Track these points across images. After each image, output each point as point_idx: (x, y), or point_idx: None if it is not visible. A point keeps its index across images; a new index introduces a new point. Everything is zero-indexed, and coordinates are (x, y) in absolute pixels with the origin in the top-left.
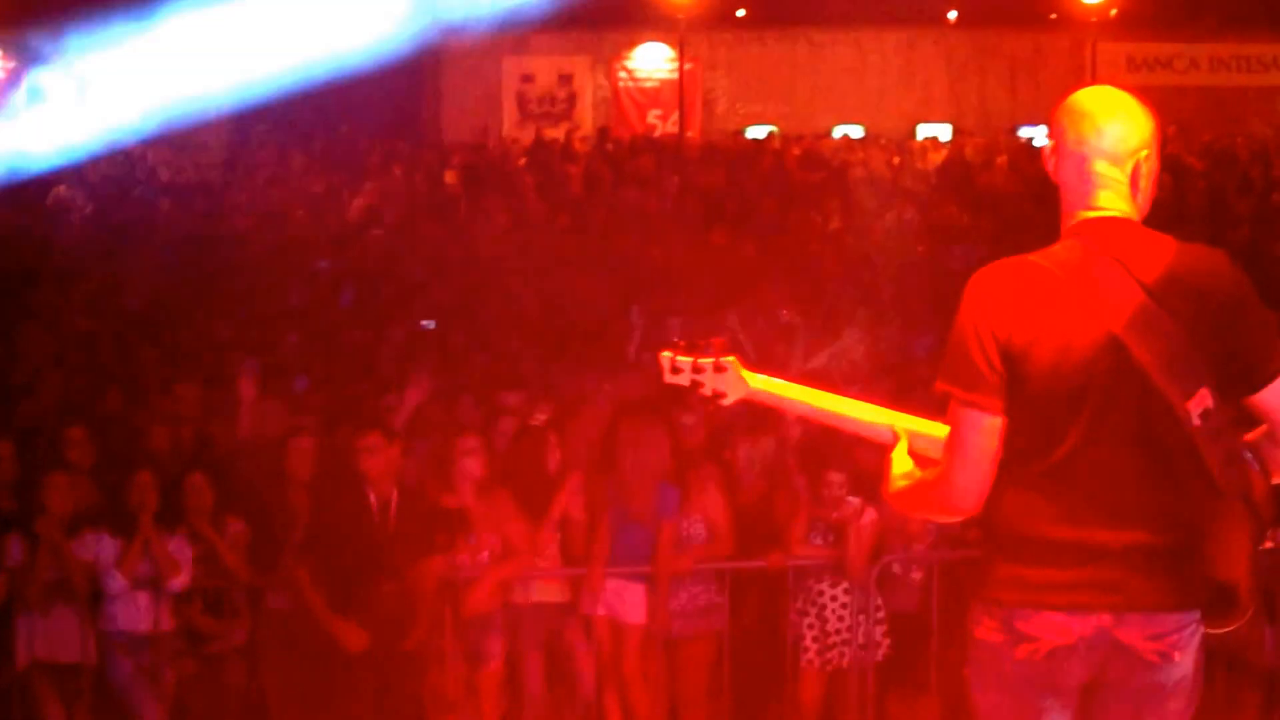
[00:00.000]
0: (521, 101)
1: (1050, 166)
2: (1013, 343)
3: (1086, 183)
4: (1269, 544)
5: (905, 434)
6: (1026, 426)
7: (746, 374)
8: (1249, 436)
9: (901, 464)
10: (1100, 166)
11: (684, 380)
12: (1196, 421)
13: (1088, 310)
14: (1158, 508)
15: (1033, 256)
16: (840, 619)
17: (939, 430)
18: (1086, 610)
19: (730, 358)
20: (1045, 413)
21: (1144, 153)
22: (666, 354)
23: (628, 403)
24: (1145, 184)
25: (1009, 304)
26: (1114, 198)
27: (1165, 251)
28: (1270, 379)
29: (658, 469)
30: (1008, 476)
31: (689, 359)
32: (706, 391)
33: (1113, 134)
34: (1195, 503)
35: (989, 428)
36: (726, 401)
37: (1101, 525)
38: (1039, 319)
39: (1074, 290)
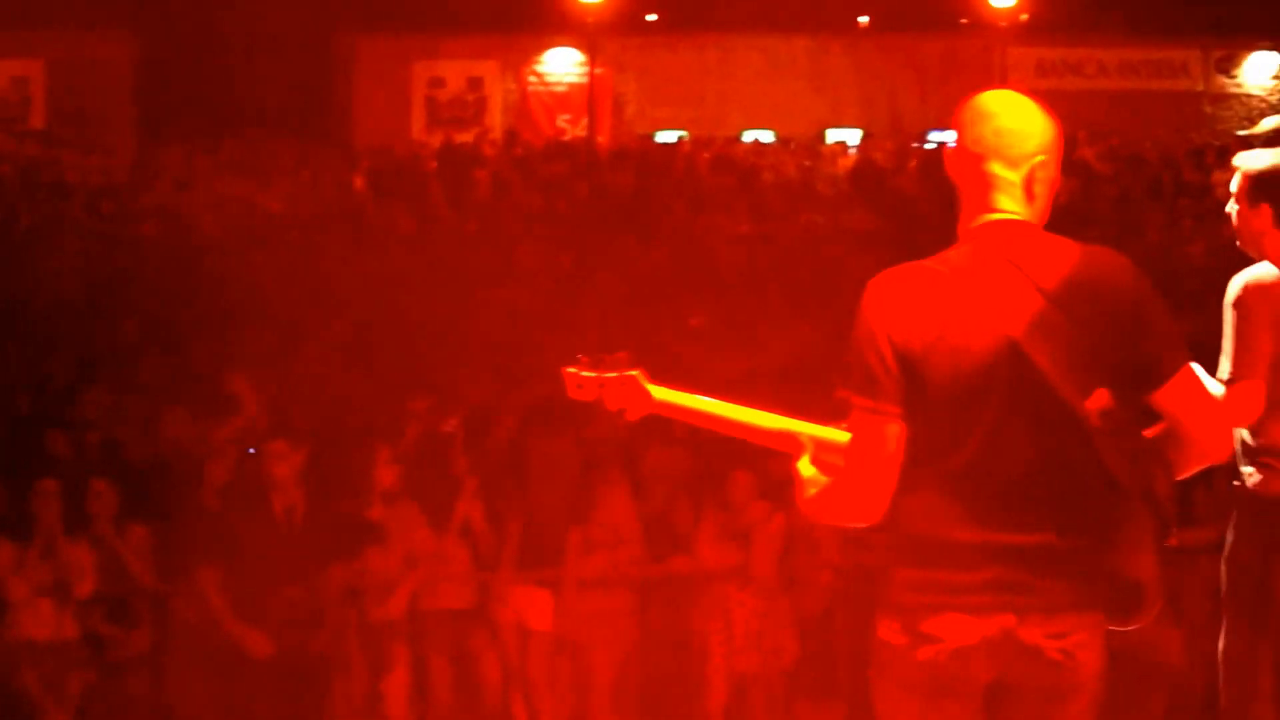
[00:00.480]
0: (431, 106)
1: (950, 168)
2: (910, 347)
3: (982, 185)
4: (1173, 542)
5: (810, 442)
6: (927, 430)
7: (650, 387)
8: (1150, 435)
9: (808, 472)
10: (996, 168)
11: (588, 396)
12: (1096, 422)
13: (984, 314)
14: (1059, 508)
15: (929, 261)
16: (748, 624)
17: (844, 437)
18: (989, 611)
19: (634, 372)
20: (945, 416)
21: (1040, 157)
22: (571, 370)
23: (536, 409)
24: (1041, 189)
25: (905, 309)
26: (1010, 201)
27: (1062, 254)
28: (1169, 377)
29: (566, 475)
30: (909, 480)
31: (593, 374)
32: (611, 408)
33: (1009, 136)
34: (1097, 502)
35: (888, 433)
36: (631, 416)
37: (1003, 526)
38: (936, 323)
39: (970, 295)
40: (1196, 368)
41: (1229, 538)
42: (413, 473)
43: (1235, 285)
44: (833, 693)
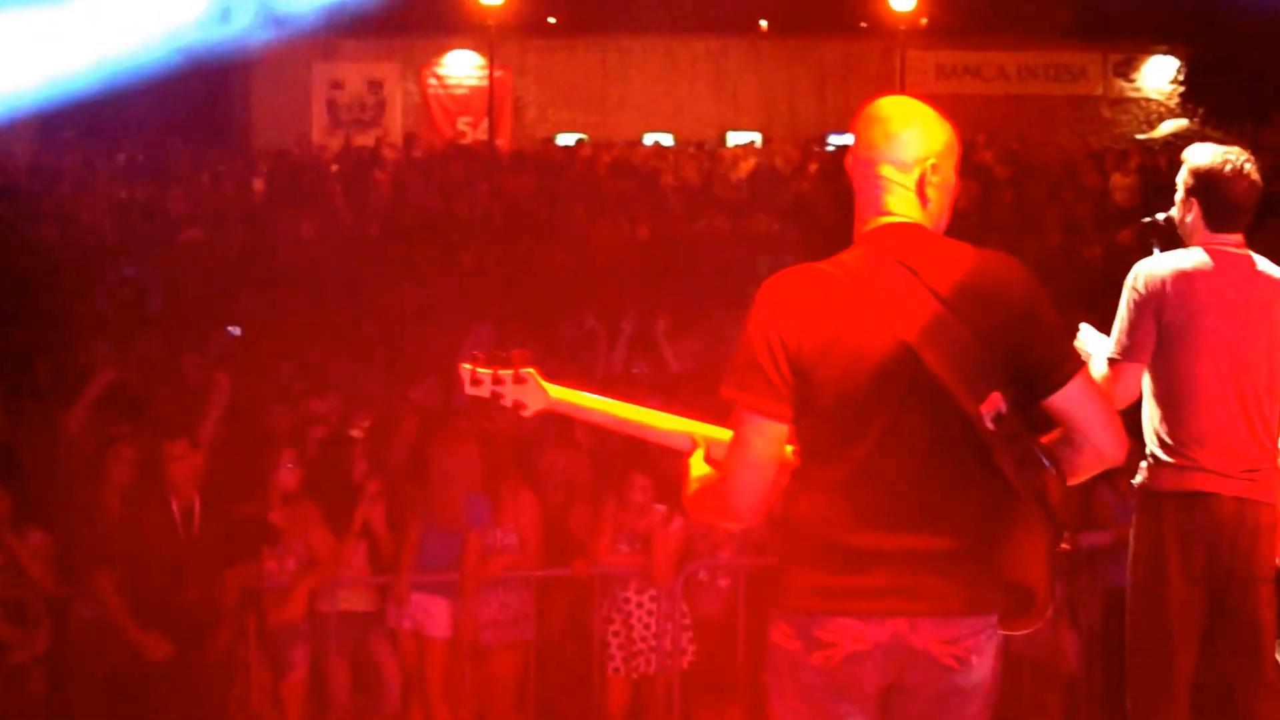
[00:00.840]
0: (331, 108)
1: (849, 173)
2: (803, 350)
3: (875, 188)
4: (1066, 546)
5: (704, 441)
6: (821, 433)
7: (546, 385)
8: (1046, 439)
9: (699, 469)
10: (887, 171)
11: (484, 392)
12: (989, 426)
13: (878, 317)
14: (952, 512)
15: (822, 264)
16: (647, 626)
17: None
18: (882, 616)
19: (529, 369)
20: (839, 420)
21: (931, 161)
22: (466, 366)
23: (437, 412)
24: (934, 193)
25: (798, 311)
26: (902, 203)
27: (956, 258)
28: (1063, 383)
29: (467, 479)
30: (803, 483)
31: (489, 371)
32: (507, 403)
33: (901, 140)
34: (991, 506)
35: (771, 434)
36: (527, 412)
37: (896, 531)
38: (829, 326)
39: (863, 297)
40: (1093, 338)
41: (1131, 535)
42: (313, 475)
43: (1137, 267)
44: (731, 695)
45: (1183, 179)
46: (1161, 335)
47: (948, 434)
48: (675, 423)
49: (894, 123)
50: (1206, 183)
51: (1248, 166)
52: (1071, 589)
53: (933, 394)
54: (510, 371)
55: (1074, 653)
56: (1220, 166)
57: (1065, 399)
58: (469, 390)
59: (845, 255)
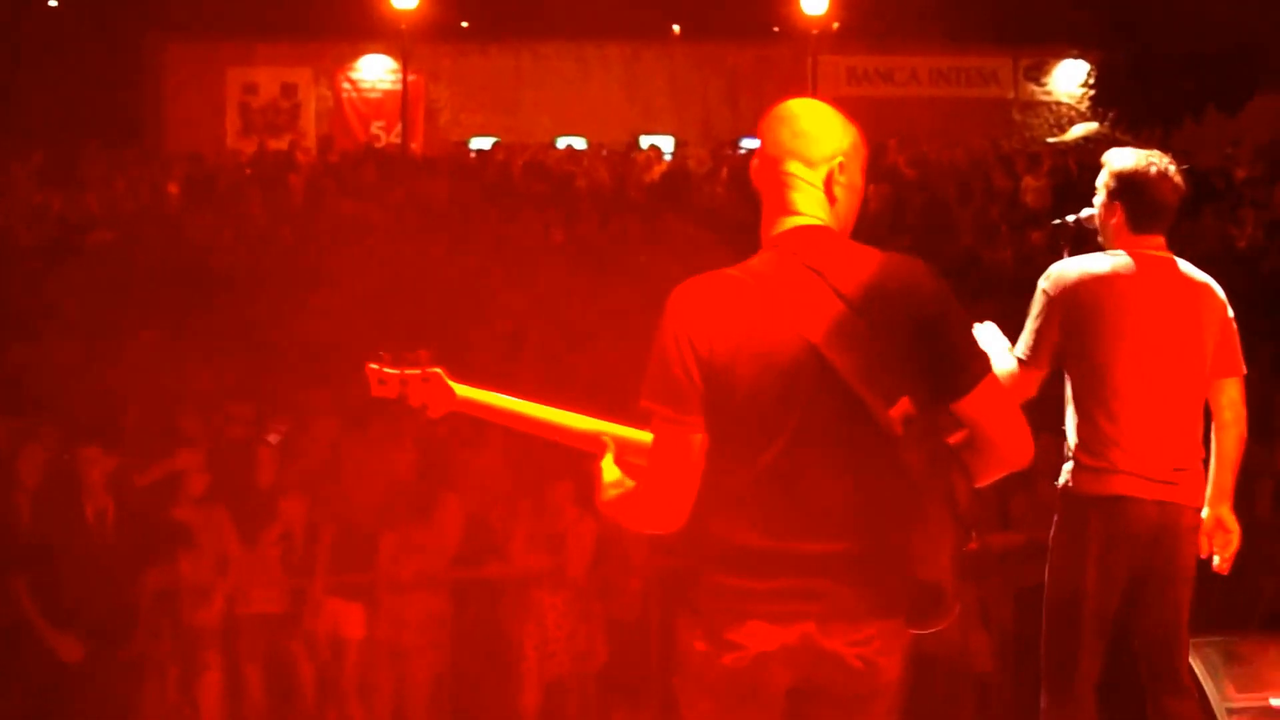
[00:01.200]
0: (245, 112)
1: (754, 175)
2: (713, 356)
3: (782, 187)
4: (973, 545)
5: (614, 442)
6: (730, 437)
7: (454, 385)
8: (953, 440)
9: (610, 473)
10: (795, 168)
11: (391, 393)
12: (898, 429)
13: (786, 321)
14: (861, 515)
15: (730, 270)
16: (560, 628)
17: (649, 438)
18: (790, 618)
19: (436, 369)
20: (748, 423)
21: (839, 159)
22: (373, 366)
23: (353, 415)
24: (841, 193)
25: (708, 318)
26: (809, 204)
27: (864, 261)
28: (972, 387)
29: (381, 480)
30: (713, 486)
31: (396, 371)
32: (414, 403)
33: (808, 138)
34: (899, 508)
35: (689, 443)
36: (434, 413)
37: (805, 534)
38: (738, 331)
39: (772, 302)
40: (992, 338)
41: (1051, 537)
42: (228, 478)
43: (1049, 270)
44: (644, 695)
45: (1104, 182)
46: (1075, 338)
47: (856, 436)
48: (586, 423)
49: (802, 121)
50: (1130, 185)
51: (1171, 169)
52: (983, 590)
53: (841, 396)
54: (417, 372)
55: (985, 653)
56: (1145, 169)
57: (972, 404)
58: (375, 391)
59: (753, 260)
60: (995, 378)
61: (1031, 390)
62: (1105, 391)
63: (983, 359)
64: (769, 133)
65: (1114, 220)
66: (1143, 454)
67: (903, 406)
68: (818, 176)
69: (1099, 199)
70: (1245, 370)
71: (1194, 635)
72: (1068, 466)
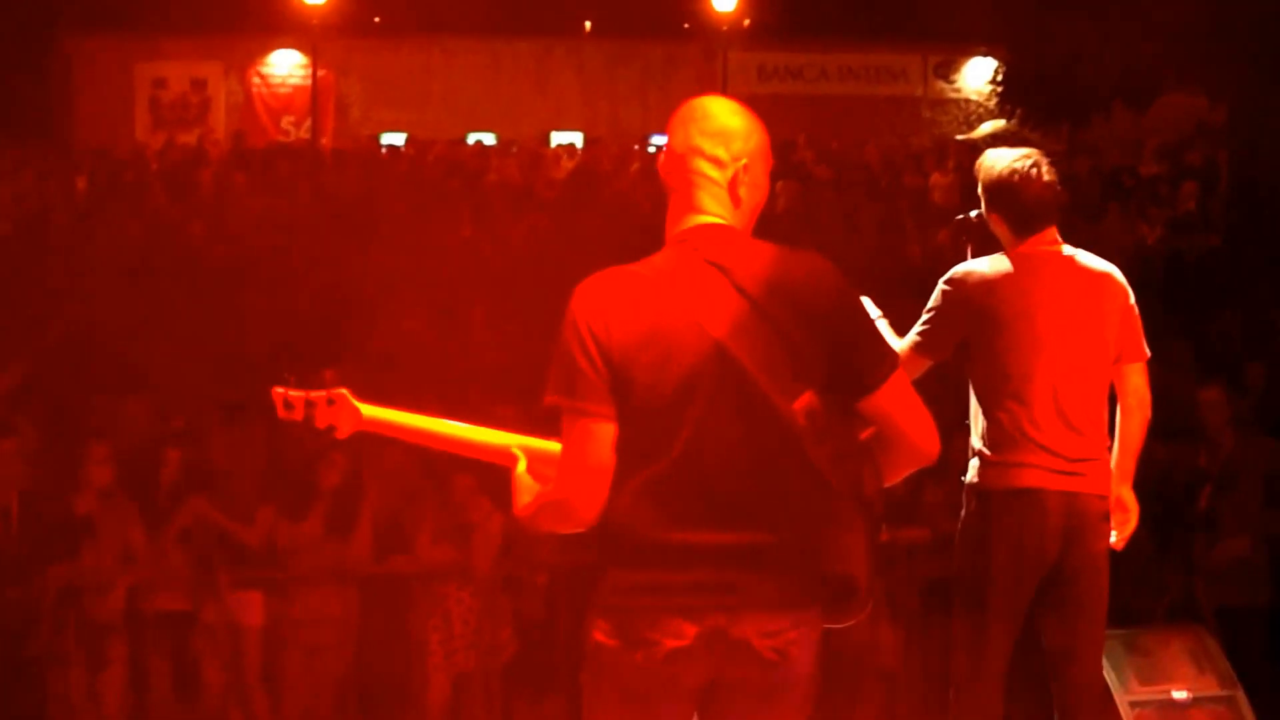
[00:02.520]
0: (154, 107)
1: (662, 172)
2: (616, 350)
3: (688, 185)
4: (884, 537)
5: (524, 453)
6: (636, 433)
7: (359, 405)
8: (863, 435)
9: (524, 484)
10: (701, 166)
11: (297, 415)
12: (802, 422)
13: (688, 316)
14: (769, 507)
15: (634, 266)
16: (466, 623)
17: (557, 448)
18: (701, 612)
19: (342, 390)
20: (653, 418)
21: (744, 160)
22: (279, 390)
23: (258, 409)
24: (745, 192)
25: (610, 313)
26: (714, 203)
27: (766, 259)
28: (879, 384)
29: (287, 474)
30: (621, 482)
31: (301, 394)
32: (320, 425)
33: (715, 139)
34: (806, 501)
35: (599, 434)
36: (341, 434)
37: (712, 526)
38: (640, 326)
39: (674, 297)
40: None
41: (958, 531)
42: (131, 472)
43: (952, 271)
44: (550, 690)
45: (980, 192)
46: (977, 338)
47: (761, 430)
48: (494, 436)
49: (711, 120)
50: (1000, 193)
51: (1035, 171)
52: (890, 584)
53: (745, 391)
54: (322, 394)
55: (892, 646)
56: (1009, 177)
57: (881, 401)
58: (282, 414)
59: (656, 257)
60: (902, 375)
61: (915, 376)
62: (1010, 388)
63: (891, 355)
64: (678, 130)
65: (998, 228)
66: (1049, 447)
67: (806, 400)
68: (724, 176)
69: (982, 207)
70: (1149, 355)
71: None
72: (974, 463)
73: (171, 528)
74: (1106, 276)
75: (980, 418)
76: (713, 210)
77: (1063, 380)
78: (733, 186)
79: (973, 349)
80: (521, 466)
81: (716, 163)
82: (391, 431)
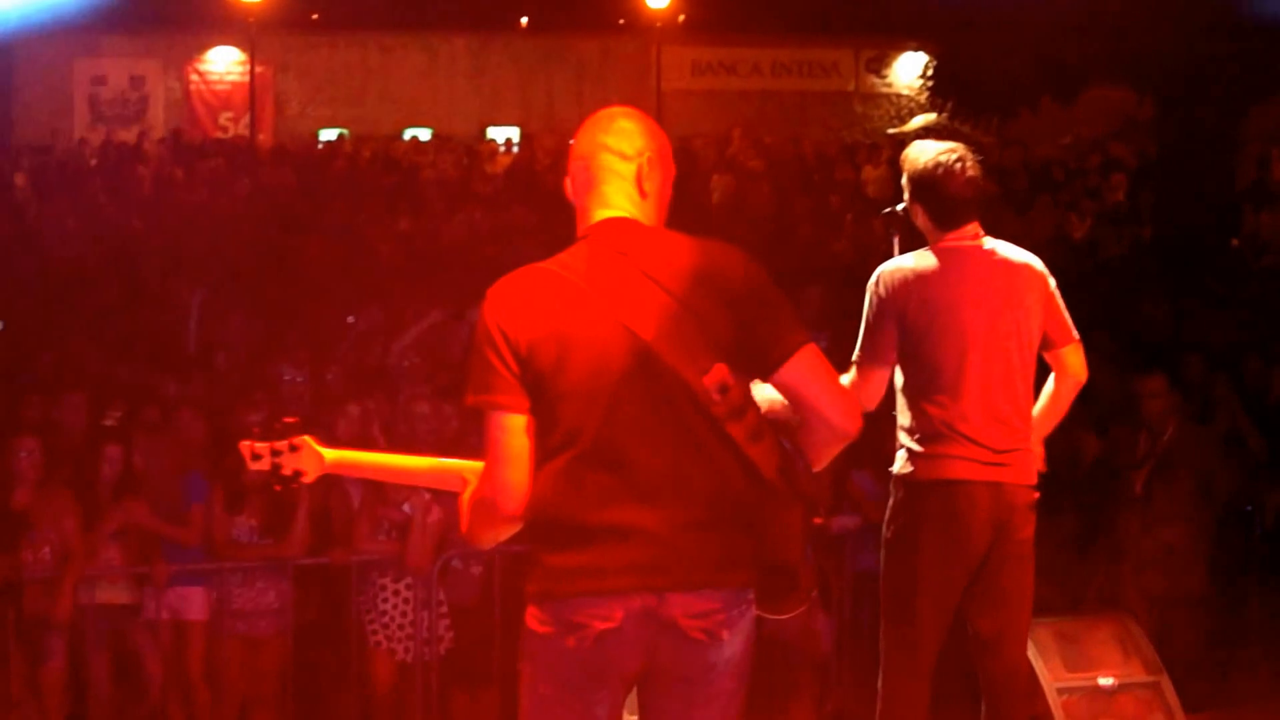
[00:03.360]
0: (94, 103)
1: (567, 186)
2: (527, 343)
3: (595, 182)
4: (818, 520)
5: (474, 476)
6: (555, 420)
7: (322, 450)
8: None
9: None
10: (608, 161)
11: (265, 465)
12: (716, 397)
13: (598, 304)
14: (690, 487)
15: (544, 263)
16: (404, 614)
17: None
18: (630, 593)
19: (304, 437)
20: (569, 406)
21: (648, 155)
22: (245, 443)
23: (198, 400)
24: (651, 187)
25: (520, 309)
26: (622, 197)
27: (674, 246)
28: (788, 357)
29: (222, 467)
30: (547, 470)
31: (266, 444)
32: (287, 472)
33: (620, 134)
34: (729, 481)
35: (516, 426)
36: (308, 479)
37: (635, 505)
38: (551, 318)
39: (584, 287)
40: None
41: (885, 521)
42: (68, 467)
43: (878, 271)
44: (487, 681)
45: (904, 184)
46: (907, 335)
47: (676, 409)
48: (447, 465)
49: (614, 121)
50: (922, 186)
51: (959, 165)
52: (824, 572)
53: (658, 373)
54: (285, 442)
55: (826, 635)
56: (932, 170)
57: (791, 374)
58: (251, 466)
59: (566, 252)
60: (815, 350)
61: (880, 388)
62: (936, 382)
63: (800, 332)
64: (584, 137)
65: (920, 220)
66: (976, 439)
67: (719, 375)
68: (630, 170)
69: (905, 199)
70: (1078, 336)
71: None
72: (901, 454)
73: (108, 523)
74: (1026, 267)
75: (907, 410)
76: (620, 204)
77: (987, 373)
78: (639, 180)
79: (900, 343)
80: (469, 491)
81: (621, 156)
82: (352, 471)
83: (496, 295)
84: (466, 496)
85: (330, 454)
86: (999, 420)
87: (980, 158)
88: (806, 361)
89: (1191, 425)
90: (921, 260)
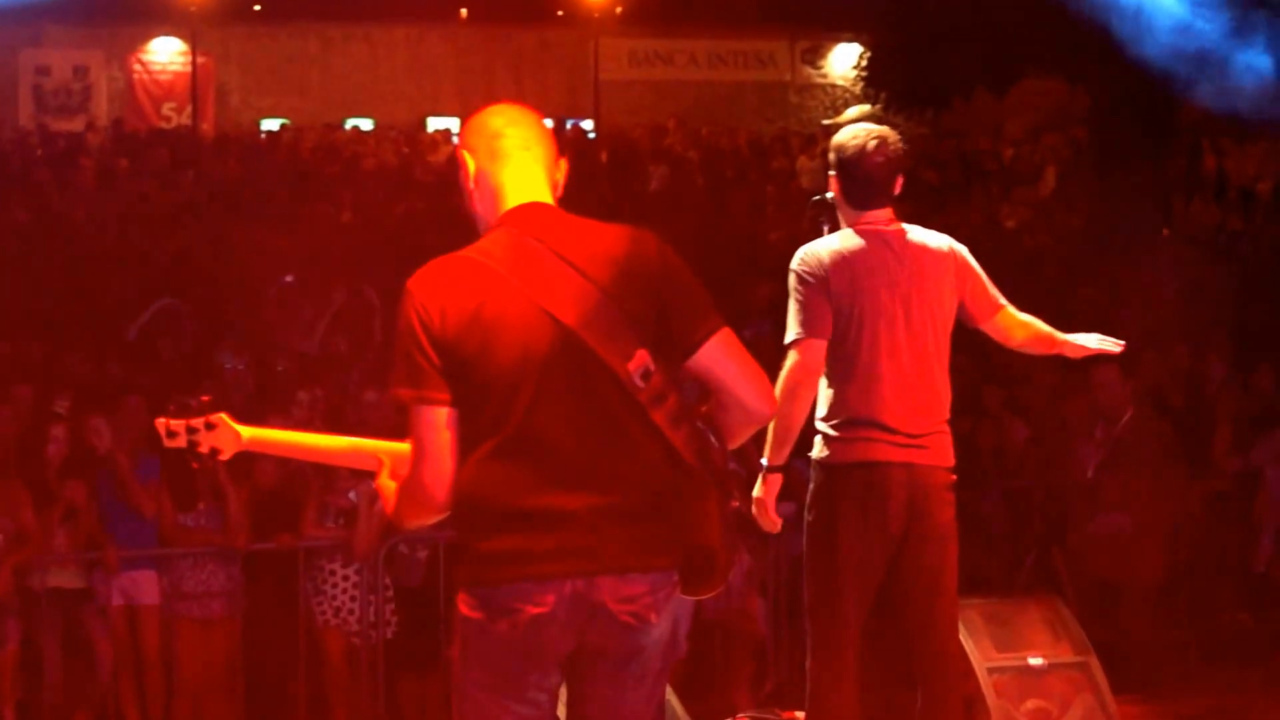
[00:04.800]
0: (38, 94)
1: (469, 180)
2: (449, 334)
3: (501, 171)
4: (735, 504)
5: (389, 457)
6: (478, 408)
7: (238, 427)
8: (705, 407)
9: (389, 486)
10: (513, 149)
11: (181, 442)
12: (639, 383)
13: (517, 290)
14: (615, 472)
15: (462, 251)
16: (352, 599)
17: None
18: (559, 578)
19: (220, 414)
20: (491, 392)
21: (546, 141)
22: (161, 420)
23: (146, 389)
24: (559, 175)
25: (438, 298)
26: (532, 183)
27: (589, 232)
28: (703, 341)
29: (171, 453)
30: (473, 457)
31: (182, 421)
32: (204, 449)
33: (519, 124)
34: (653, 465)
35: (439, 419)
36: (224, 456)
37: (562, 491)
38: (469, 305)
39: (502, 274)
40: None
41: (806, 505)
42: (17, 454)
43: (799, 253)
44: (433, 664)
45: (829, 158)
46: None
47: (600, 395)
48: (363, 445)
49: (510, 112)
50: (839, 162)
51: (872, 145)
52: (759, 557)
53: (579, 357)
54: (201, 420)
55: (762, 618)
56: (846, 145)
57: (706, 357)
58: (167, 443)
59: (484, 240)
60: (730, 333)
61: (819, 360)
62: (849, 366)
63: (715, 316)
64: (480, 130)
65: (837, 200)
66: (890, 424)
67: (640, 361)
68: (536, 156)
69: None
70: (1006, 301)
71: (958, 597)
72: (818, 439)
73: (57, 508)
74: (937, 250)
75: (824, 394)
76: (529, 190)
77: (900, 356)
78: (549, 167)
79: (832, 324)
80: (385, 473)
81: (526, 144)
82: (269, 449)
83: (417, 286)
84: (384, 479)
85: (247, 432)
86: (914, 404)
87: (906, 146)
88: (723, 345)
89: (1147, 416)
90: (836, 242)
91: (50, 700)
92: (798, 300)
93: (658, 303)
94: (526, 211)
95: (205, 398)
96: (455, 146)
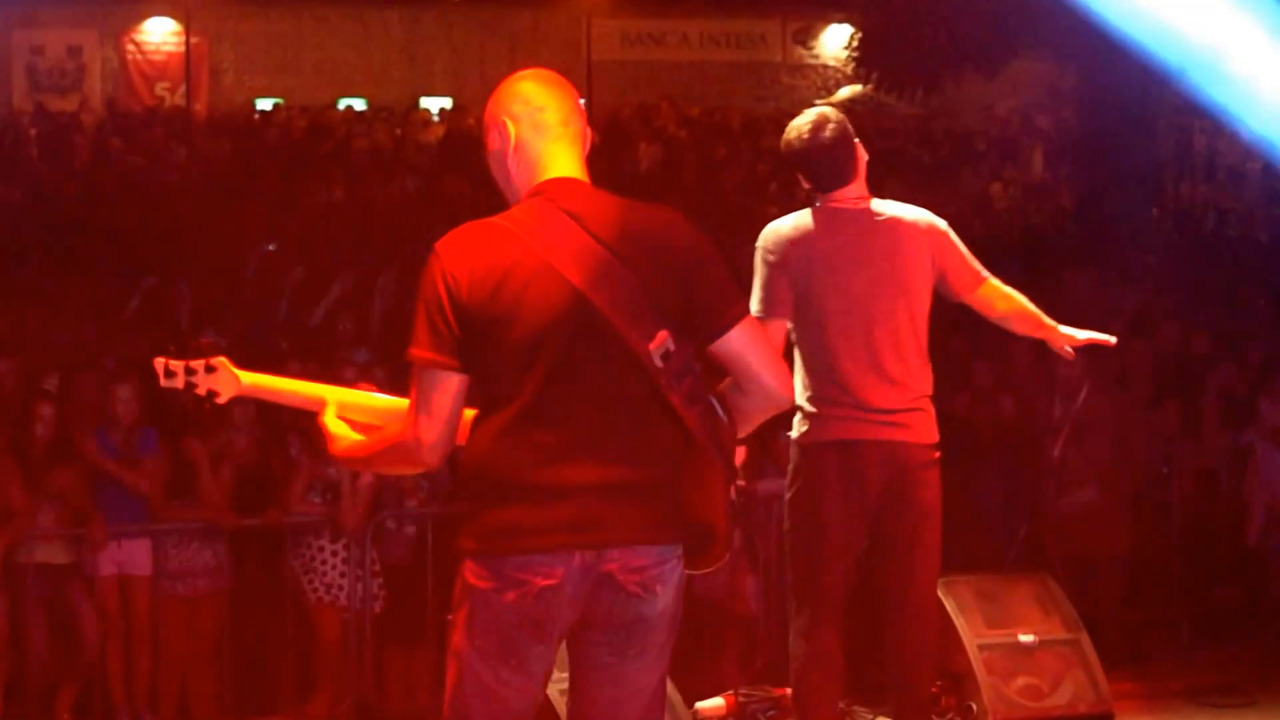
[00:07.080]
0: (32, 73)
1: (509, 147)
2: (473, 301)
3: (539, 142)
4: (741, 483)
5: (333, 400)
6: (497, 377)
7: (238, 372)
8: (719, 387)
9: (336, 426)
10: (550, 121)
11: (179, 383)
12: (658, 363)
13: (544, 262)
14: (630, 447)
15: (493, 219)
16: (342, 575)
17: (368, 399)
18: (569, 549)
19: (220, 358)
20: (512, 361)
21: (581, 118)
22: (160, 360)
23: (132, 366)
24: (586, 150)
25: (465, 263)
26: (566, 158)
27: (620, 208)
28: (729, 327)
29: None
30: (485, 427)
31: (181, 362)
32: (201, 392)
33: (562, 101)
34: (667, 442)
35: (448, 384)
36: (221, 399)
37: (576, 464)
38: (495, 273)
39: (530, 244)
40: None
41: (786, 484)
42: (4, 433)
43: (764, 231)
44: (420, 639)
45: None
46: (795, 295)
47: (619, 372)
48: (375, 399)
49: (544, 83)
50: (790, 158)
51: (808, 130)
52: (749, 533)
53: (601, 333)
54: (201, 361)
55: (752, 595)
56: (789, 141)
57: (731, 342)
58: (164, 383)
59: (515, 209)
60: (754, 319)
61: (781, 340)
62: (825, 343)
63: (741, 302)
64: (522, 98)
65: (806, 187)
66: (866, 402)
67: (661, 340)
68: (570, 133)
69: None
70: (989, 274)
71: (948, 574)
72: (797, 417)
73: (46, 483)
74: (915, 224)
75: (801, 373)
76: (565, 165)
77: (875, 333)
78: (583, 143)
79: (792, 306)
80: (330, 412)
81: (566, 120)
82: (268, 395)
83: (445, 248)
84: (329, 418)
85: (247, 377)
86: (888, 380)
87: (844, 121)
88: (749, 331)
89: (1106, 391)
90: (801, 219)
91: (36, 675)
92: (760, 279)
93: (685, 285)
94: (561, 185)
95: (206, 340)
96: (490, 110)
